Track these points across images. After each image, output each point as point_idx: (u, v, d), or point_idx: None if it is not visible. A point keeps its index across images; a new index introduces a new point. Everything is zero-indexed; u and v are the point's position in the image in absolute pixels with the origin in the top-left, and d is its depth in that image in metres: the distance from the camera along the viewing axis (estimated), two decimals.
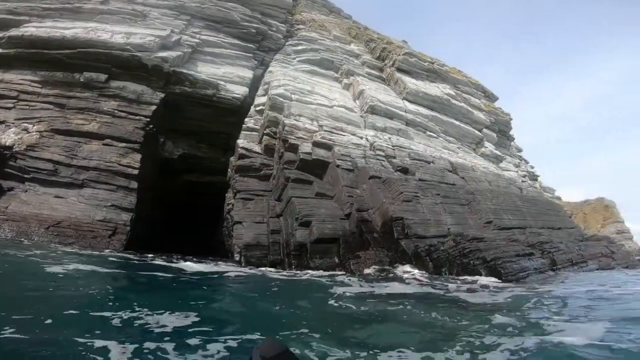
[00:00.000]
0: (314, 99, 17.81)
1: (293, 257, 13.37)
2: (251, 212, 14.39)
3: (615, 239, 35.58)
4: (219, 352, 3.40)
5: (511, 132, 24.07)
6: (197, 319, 4.32)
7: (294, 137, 15.19)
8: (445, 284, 8.56)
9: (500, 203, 14.32)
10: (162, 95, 16.55)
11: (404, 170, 15.10)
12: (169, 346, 3.28)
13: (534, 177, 23.66)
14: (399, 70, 20.99)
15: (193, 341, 3.58)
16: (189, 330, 3.92)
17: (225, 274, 9.34)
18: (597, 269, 11.89)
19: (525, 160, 24.57)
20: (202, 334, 3.80)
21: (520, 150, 25.03)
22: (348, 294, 6.80)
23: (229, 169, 16.76)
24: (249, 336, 3.97)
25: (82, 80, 15.71)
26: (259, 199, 14.91)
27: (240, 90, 18.58)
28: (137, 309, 4.38)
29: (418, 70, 21.38)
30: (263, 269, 11.83)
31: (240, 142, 16.29)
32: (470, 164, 17.56)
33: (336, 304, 6.07)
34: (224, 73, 18.96)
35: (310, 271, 11.87)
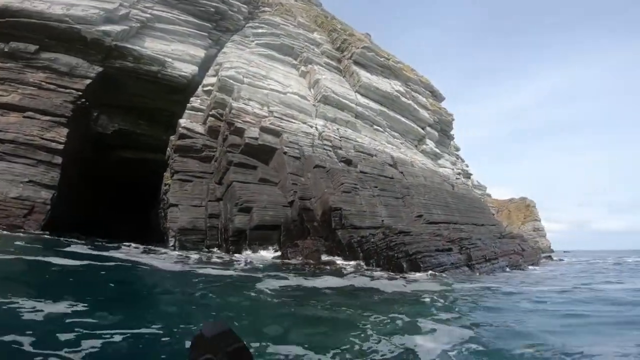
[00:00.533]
0: (267, 84, 17.47)
1: (231, 243, 13.24)
2: (189, 194, 13.98)
3: (531, 235, 40.23)
4: (92, 347, 3.23)
5: (452, 132, 25.56)
6: (83, 308, 4.07)
7: (240, 121, 14.88)
8: (368, 275, 8.98)
9: (432, 198, 15.25)
10: (100, 69, 15.52)
11: (348, 162, 15.49)
12: (28, 340, 3.10)
13: (467, 175, 25.45)
14: (356, 63, 21.18)
15: (65, 334, 3.36)
16: (67, 320, 3.69)
17: (142, 261, 8.60)
18: (507, 265, 13.16)
19: (461, 159, 26.31)
20: (80, 327, 3.47)
21: (458, 149, 26.72)
22: (272, 287, 6.58)
23: (168, 148, 16.07)
24: (144, 330, 3.69)
25: (6, 50, 14.31)
26: (198, 181, 14.51)
27: (188, 69, 17.73)
28: (12, 298, 4.09)
29: (374, 65, 21.72)
30: (195, 255, 11.46)
31: (183, 121, 15.65)
32: (410, 159, 18.41)
33: (254, 296, 5.94)
34: (173, 50, 17.94)
35: (250, 255, 11.81)
